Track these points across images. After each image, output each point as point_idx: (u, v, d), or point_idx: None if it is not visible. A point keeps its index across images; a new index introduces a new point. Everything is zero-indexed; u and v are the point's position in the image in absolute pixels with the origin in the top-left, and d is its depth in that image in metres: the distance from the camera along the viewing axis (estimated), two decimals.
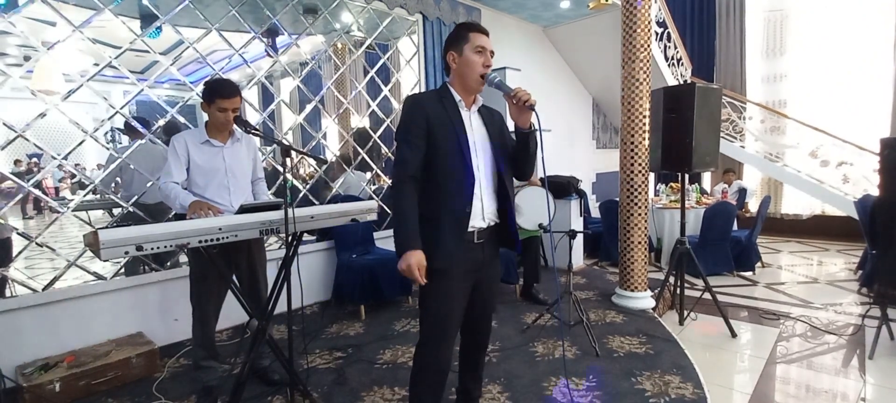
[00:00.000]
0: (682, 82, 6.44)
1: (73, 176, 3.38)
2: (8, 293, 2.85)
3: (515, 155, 1.84)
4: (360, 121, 4.78)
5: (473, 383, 2.11)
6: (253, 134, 2.42)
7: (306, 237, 3.85)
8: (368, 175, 4.82)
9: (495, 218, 1.82)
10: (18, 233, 2.86)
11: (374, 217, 2.46)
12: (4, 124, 2.70)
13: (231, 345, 3.25)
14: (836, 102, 6.65)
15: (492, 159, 1.79)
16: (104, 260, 1.64)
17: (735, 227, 5.07)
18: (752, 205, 7.04)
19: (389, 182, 4.83)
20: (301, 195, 4.07)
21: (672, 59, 6.33)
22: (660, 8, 5.87)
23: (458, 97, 1.76)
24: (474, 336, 2.01)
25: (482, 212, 1.75)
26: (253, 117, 4.49)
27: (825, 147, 6.10)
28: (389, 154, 4.90)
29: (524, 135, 1.76)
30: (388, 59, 4.73)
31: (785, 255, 5.90)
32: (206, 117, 2.40)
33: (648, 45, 3.62)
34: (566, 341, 3.14)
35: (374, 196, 4.66)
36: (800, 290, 4.39)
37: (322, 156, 4.60)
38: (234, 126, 2.40)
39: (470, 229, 1.72)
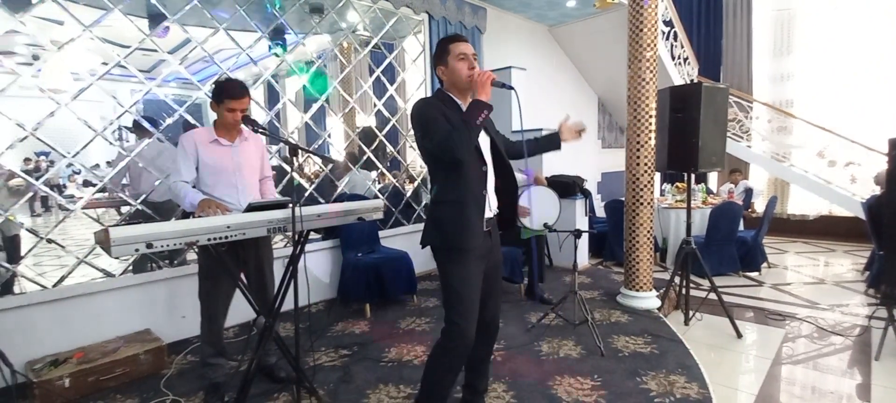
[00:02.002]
0: (688, 81, 6.43)
1: (78, 172, 3.42)
2: (17, 290, 2.88)
3: (537, 148, 2.24)
4: (365, 120, 4.79)
5: (480, 377, 2.19)
6: (260, 133, 2.44)
7: (312, 235, 3.87)
8: (374, 174, 4.83)
9: (496, 207, 2.04)
10: (27, 230, 2.90)
11: (380, 216, 2.47)
12: (16, 123, 2.73)
13: (238, 342, 3.27)
14: (844, 102, 6.61)
15: (491, 154, 2.00)
16: (115, 258, 1.66)
17: (741, 227, 5.05)
18: (759, 205, 7.01)
19: (394, 181, 4.85)
20: (307, 194, 4.09)
21: (678, 58, 6.31)
22: (666, 7, 5.85)
23: (458, 101, 1.94)
24: (483, 321, 2.07)
25: (488, 203, 1.96)
26: (259, 116, 4.51)
27: (833, 147, 6.07)
28: (395, 153, 4.91)
29: (559, 145, 2.23)
30: (393, 58, 4.73)
31: (791, 256, 5.87)
32: (214, 116, 2.42)
33: (655, 44, 3.61)
34: (571, 340, 3.15)
35: (379, 194, 4.67)
36: (806, 291, 4.37)
37: (328, 155, 4.62)
38: (243, 125, 2.41)
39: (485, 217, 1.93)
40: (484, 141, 1.95)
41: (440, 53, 1.95)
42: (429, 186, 4.73)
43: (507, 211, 2.06)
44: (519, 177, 4.10)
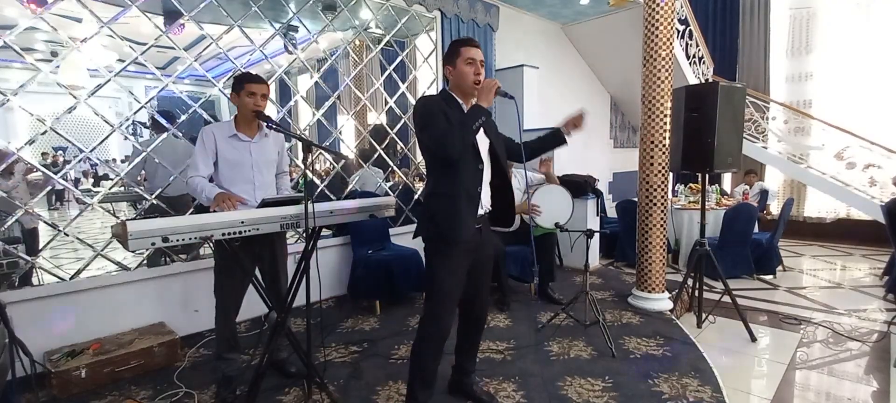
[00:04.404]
0: (703, 81, 6.34)
1: (95, 166, 3.47)
2: (35, 281, 2.94)
3: (541, 147, 2.28)
4: (376, 117, 4.80)
5: (469, 360, 2.37)
6: (276, 130, 2.46)
7: (323, 232, 3.90)
8: (384, 172, 4.84)
9: (489, 205, 2.16)
10: (46, 223, 2.95)
11: (391, 213, 2.47)
12: (36, 118, 2.78)
13: (251, 337, 3.30)
14: (864, 103, 6.46)
15: (488, 155, 2.09)
16: (131, 251, 1.69)
17: (756, 229, 4.98)
18: (775, 208, 6.90)
19: (405, 178, 4.86)
20: (318, 190, 4.11)
21: (693, 57, 6.22)
22: (682, 4, 5.78)
23: (460, 101, 2.04)
24: (472, 313, 2.26)
25: (481, 200, 2.05)
26: (271, 112, 4.53)
27: (852, 149, 5.94)
28: (406, 150, 4.91)
29: (562, 141, 2.24)
30: (405, 55, 4.72)
31: (807, 259, 5.77)
32: (234, 111, 2.45)
33: (671, 43, 3.56)
34: (581, 341, 3.13)
35: (389, 192, 4.67)
36: (822, 295, 4.29)
37: (341, 152, 4.64)
38: (261, 121, 2.43)
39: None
40: (483, 141, 2.04)
41: (451, 54, 2.04)
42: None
43: (499, 209, 2.17)
44: (534, 176, 4.10)
